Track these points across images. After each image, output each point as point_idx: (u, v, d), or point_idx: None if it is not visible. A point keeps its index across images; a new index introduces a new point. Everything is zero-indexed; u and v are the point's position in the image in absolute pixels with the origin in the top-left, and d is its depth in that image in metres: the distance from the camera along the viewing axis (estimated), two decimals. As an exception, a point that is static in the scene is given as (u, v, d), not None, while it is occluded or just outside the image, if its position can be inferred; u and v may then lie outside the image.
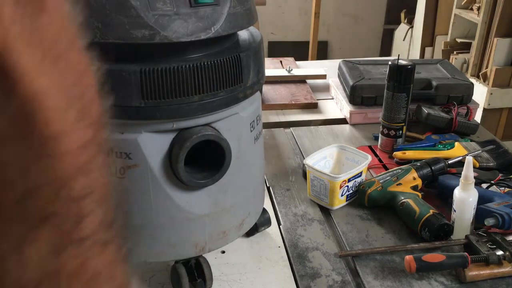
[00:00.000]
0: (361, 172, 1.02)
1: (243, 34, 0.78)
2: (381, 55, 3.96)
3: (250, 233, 0.93)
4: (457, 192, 0.90)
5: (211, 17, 0.65)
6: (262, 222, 0.93)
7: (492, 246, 0.84)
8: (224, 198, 0.75)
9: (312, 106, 1.49)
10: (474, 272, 0.81)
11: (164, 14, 0.62)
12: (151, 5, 0.61)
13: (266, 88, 1.54)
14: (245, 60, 0.70)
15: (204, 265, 0.79)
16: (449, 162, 1.07)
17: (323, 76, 1.66)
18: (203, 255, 0.79)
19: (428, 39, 3.24)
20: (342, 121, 1.42)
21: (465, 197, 0.89)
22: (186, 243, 0.75)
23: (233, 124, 0.73)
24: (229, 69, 0.68)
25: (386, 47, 4.04)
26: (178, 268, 0.78)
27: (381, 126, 1.22)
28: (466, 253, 0.82)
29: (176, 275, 0.78)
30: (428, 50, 3.24)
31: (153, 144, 0.68)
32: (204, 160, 0.72)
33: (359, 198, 1.02)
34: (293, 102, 1.49)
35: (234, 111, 0.73)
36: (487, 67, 2.63)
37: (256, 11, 0.76)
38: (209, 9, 0.65)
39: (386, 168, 1.15)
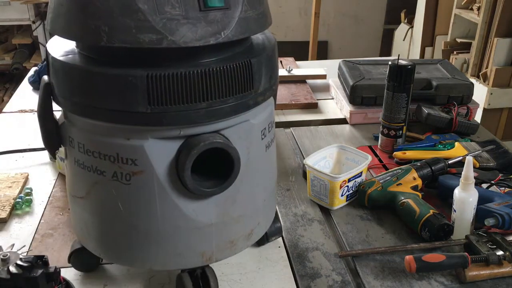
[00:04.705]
0: (361, 172, 1.02)
1: (257, 39, 0.75)
2: (381, 55, 3.96)
3: (260, 242, 0.90)
4: (457, 192, 0.90)
5: (221, 22, 0.63)
6: (273, 232, 0.89)
7: (492, 246, 0.84)
8: (232, 207, 0.73)
9: (312, 106, 1.49)
10: (474, 272, 0.81)
11: (172, 18, 0.60)
12: (159, 9, 0.59)
13: (266, 88, 1.54)
14: (256, 66, 0.67)
15: (210, 276, 0.77)
16: (449, 162, 1.07)
17: (323, 76, 1.66)
18: (209, 265, 0.77)
19: (428, 39, 3.24)
20: (342, 121, 1.43)
21: (465, 197, 0.89)
22: (192, 252, 0.73)
23: (243, 131, 0.70)
24: (239, 75, 0.65)
25: (386, 47, 4.04)
26: (183, 277, 0.76)
27: (381, 126, 1.22)
28: (466, 253, 0.82)
29: (181, 285, 0.76)
30: (428, 50, 3.24)
31: (160, 151, 0.66)
32: (212, 167, 0.70)
33: (359, 198, 1.02)
34: (293, 102, 1.49)
35: (244, 118, 0.70)
36: (487, 67, 2.64)
37: (271, 15, 0.73)
38: (219, 13, 0.62)
39: (386, 168, 1.15)
